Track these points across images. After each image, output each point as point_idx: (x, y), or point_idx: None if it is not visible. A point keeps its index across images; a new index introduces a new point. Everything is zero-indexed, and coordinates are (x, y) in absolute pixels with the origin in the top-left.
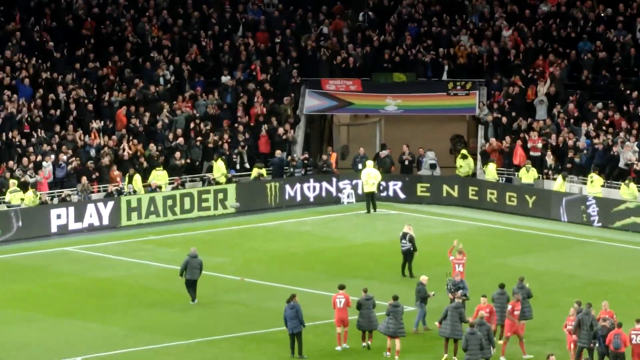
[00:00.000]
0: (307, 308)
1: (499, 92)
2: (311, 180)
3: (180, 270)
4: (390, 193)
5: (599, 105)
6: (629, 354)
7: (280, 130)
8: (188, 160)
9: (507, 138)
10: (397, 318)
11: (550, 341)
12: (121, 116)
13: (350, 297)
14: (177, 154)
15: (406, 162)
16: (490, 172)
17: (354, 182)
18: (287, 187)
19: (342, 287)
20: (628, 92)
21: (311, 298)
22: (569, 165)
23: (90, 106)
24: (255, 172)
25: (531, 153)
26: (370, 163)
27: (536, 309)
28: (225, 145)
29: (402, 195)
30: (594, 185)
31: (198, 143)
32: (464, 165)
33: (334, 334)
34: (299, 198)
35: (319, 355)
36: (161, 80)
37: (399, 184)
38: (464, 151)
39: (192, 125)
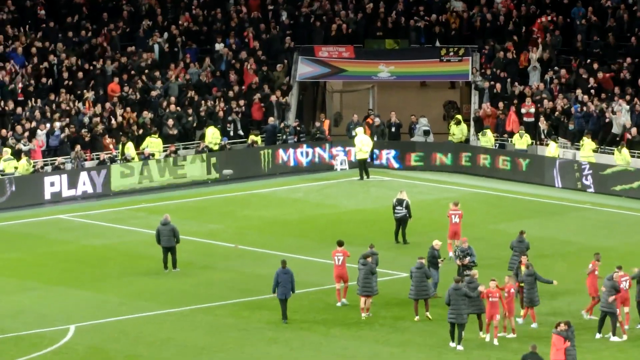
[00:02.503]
0: (300, 275)
1: (491, 59)
2: (304, 147)
3: (155, 238)
4: (384, 160)
5: (592, 71)
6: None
7: (273, 98)
8: (181, 128)
9: (501, 104)
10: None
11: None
12: (114, 84)
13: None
14: (170, 122)
15: (393, 129)
16: (488, 138)
17: (347, 148)
18: (281, 154)
19: (340, 244)
20: (621, 57)
21: (305, 265)
22: (561, 131)
23: (83, 75)
24: (249, 139)
25: (524, 119)
26: (361, 130)
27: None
28: (219, 113)
29: (394, 163)
30: (585, 149)
31: (191, 111)
32: (458, 131)
33: (328, 300)
34: (292, 165)
35: (313, 322)
36: (154, 48)
37: (392, 151)
38: (458, 117)
39: (185, 93)
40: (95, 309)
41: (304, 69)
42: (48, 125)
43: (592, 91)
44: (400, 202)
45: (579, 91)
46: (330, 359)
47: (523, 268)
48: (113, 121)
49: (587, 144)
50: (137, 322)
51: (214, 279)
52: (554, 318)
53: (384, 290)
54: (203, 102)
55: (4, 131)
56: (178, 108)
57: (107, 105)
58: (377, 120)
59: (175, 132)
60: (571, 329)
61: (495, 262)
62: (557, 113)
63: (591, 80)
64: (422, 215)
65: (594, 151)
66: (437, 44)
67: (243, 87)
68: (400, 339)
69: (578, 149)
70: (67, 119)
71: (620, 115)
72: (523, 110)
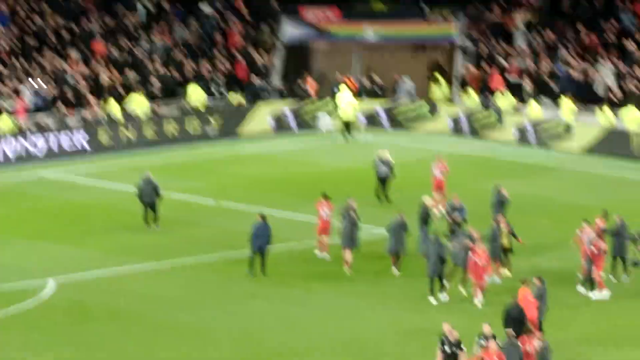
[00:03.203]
0: (282, 231)
1: (477, 20)
2: (289, 106)
3: (137, 194)
4: (368, 119)
5: (577, 32)
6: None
7: (258, 57)
8: (166, 88)
9: (485, 65)
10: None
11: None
12: (99, 44)
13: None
14: (154, 81)
15: (376, 89)
16: (471, 99)
17: (332, 108)
18: (265, 113)
19: (326, 197)
20: (605, 20)
21: (286, 221)
22: (545, 92)
23: (69, 35)
24: (233, 98)
25: (508, 78)
26: (346, 89)
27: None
28: (204, 73)
29: (378, 122)
30: (564, 110)
31: (174, 69)
32: (437, 91)
33: (309, 256)
34: (276, 124)
35: (294, 277)
36: (140, 8)
37: (376, 111)
38: (437, 76)
39: (170, 53)
40: (76, 263)
41: (290, 30)
42: (33, 84)
43: (577, 53)
44: (382, 160)
45: (563, 52)
46: (311, 313)
47: (502, 227)
48: (98, 80)
49: (567, 104)
50: (119, 277)
51: (196, 235)
52: (534, 275)
53: (365, 246)
54: (188, 62)
55: None
56: (160, 68)
57: (93, 64)
58: (364, 81)
59: (160, 89)
60: (544, 285)
61: (477, 220)
62: (541, 74)
63: (576, 42)
64: (404, 173)
65: (575, 112)
66: (423, 5)
67: (228, 48)
68: (381, 293)
69: (561, 109)
70: (52, 79)
71: (605, 77)
72: (507, 71)
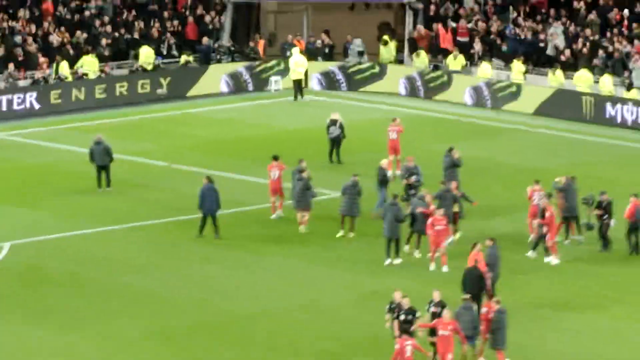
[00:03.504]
0: (235, 194)
1: None
2: (239, 67)
3: (89, 157)
4: (319, 80)
5: None
6: None
7: (208, 18)
8: (116, 49)
9: (435, 25)
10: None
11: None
12: (48, 4)
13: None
14: (104, 41)
15: (326, 50)
16: (422, 59)
17: (282, 69)
18: (215, 74)
19: (276, 158)
20: None
21: (239, 184)
22: (495, 53)
23: None
24: (183, 59)
25: (458, 38)
26: (297, 50)
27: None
28: (153, 33)
29: (330, 83)
30: (515, 72)
31: (124, 30)
32: (386, 52)
33: (263, 219)
34: (226, 85)
35: (247, 240)
36: None
37: (327, 71)
38: (385, 37)
39: (119, 13)
40: (31, 227)
41: None
42: None
43: (526, 13)
44: (334, 122)
45: (513, 13)
46: (264, 277)
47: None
48: (48, 41)
49: (517, 66)
50: (73, 240)
51: (149, 197)
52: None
53: (317, 209)
54: (137, 22)
55: None
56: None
57: (45, 24)
58: (319, 42)
59: (110, 49)
60: (496, 246)
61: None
62: (491, 35)
63: (525, 2)
64: (356, 135)
65: (526, 73)
66: None
67: (177, 7)
68: (336, 256)
69: (511, 71)
70: (1, 39)
71: (555, 38)
72: (457, 32)
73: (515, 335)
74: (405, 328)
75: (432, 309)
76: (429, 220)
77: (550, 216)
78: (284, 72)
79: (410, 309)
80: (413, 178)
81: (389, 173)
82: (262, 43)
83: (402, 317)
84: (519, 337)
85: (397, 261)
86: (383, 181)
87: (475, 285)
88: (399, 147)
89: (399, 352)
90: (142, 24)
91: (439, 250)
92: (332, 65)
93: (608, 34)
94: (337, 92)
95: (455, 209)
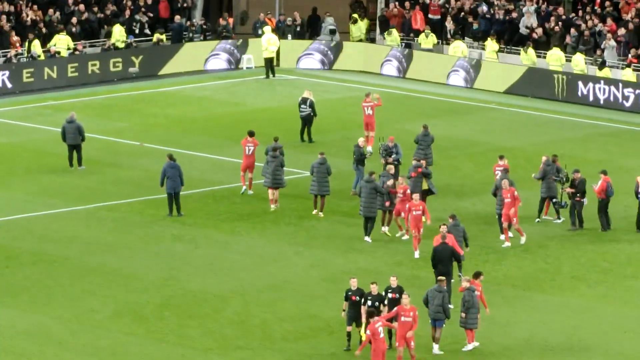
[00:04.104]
0: (206, 173)
1: None
2: (211, 45)
3: (61, 136)
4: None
5: None
6: None
7: None
8: (88, 27)
9: (407, 3)
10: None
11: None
12: None
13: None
14: (74, 20)
15: (298, 29)
16: (394, 37)
17: (254, 47)
18: (187, 52)
19: (251, 134)
20: None
21: (210, 162)
22: (467, 31)
23: None
24: (155, 37)
25: (430, 16)
26: (269, 29)
27: (438, 175)
28: (125, 11)
29: (298, 63)
30: (488, 51)
31: (96, 9)
32: (356, 30)
33: (234, 199)
34: (198, 63)
35: (218, 220)
36: None
37: (300, 50)
38: (354, 15)
39: None
40: (2, 206)
41: None
42: None
43: None
44: (305, 100)
45: None
46: (235, 257)
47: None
48: (20, 19)
49: (490, 45)
50: (43, 220)
51: (120, 176)
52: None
53: (289, 188)
54: (109, 1)
55: None
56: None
57: (19, 3)
58: (289, 20)
59: (80, 27)
60: (456, 221)
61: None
62: (463, 13)
63: None
64: (328, 114)
65: (499, 52)
66: None
67: None
68: (306, 236)
69: (484, 49)
70: None
71: (529, 17)
72: (429, 10)
73: (485, 314)
74: (372, 312)
75: (390, 295)
76: (407, 205)
77: (512, 197)
78: (256, 50)
79: (378, 295)
80: (392, 157)
81: (369, 148)
82: (233, 21)
83: (369, 303)
84: (489, 317)
85: (367, 239)
86: (360, 160)
87: (447, 262)
88: (373, 123)
89: (370, 337)
90: (113, 2)
91: (416, 234)
92: (303, 44)
93: (580, 12)
94: (310, 70)
95: (425, 186)
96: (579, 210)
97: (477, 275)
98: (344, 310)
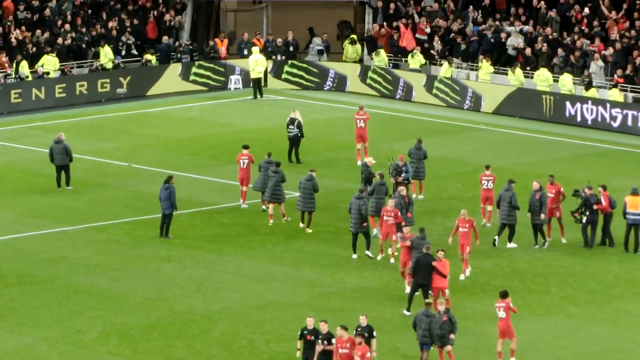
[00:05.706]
0: (194, 194)
1: None
2: (199, 66)
3: (49, 156)
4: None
5: None
6: None
7: (167, 17)
8: (76, 48)
9: (395, 23)
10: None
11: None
12: (8, 2)
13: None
14: (60, 40)
15: (291, 48)
16: (382, 58)
17: (242, 67)
18: (175, 73)
19: (246, 147)
20: None
21: (198, 183)
22: (455, 52)
23: None
24: (146, 57)
25: (417, 36)
26: (256, 49)
27: (425, 194)
28: (113, 32)
29: (293, 81)
30: (482, 71)
31: (84, 29)
32: (352, 51)
33: (222, 219)
34: (186, 84)
35: (206, 240)
36: None
37: (286, 68)
38: (353, 36)
39: (79, 12)
40: None
41: None
42: None
43: (486, 12)
44: (292, 121)
45: (473, 12)
46: (223, 277)
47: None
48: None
49: (485, 66)
50: (31, 240)
51: (108, 197)
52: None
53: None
54: (97, 22)
55: None
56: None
57: (7, 24)
58: (280, 41)
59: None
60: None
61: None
62: (451, 34)
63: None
64: (315, 135)
65: (491, 73)
66: None
67: (137, 6)
68: (294, 257)
69: (472, 69)
70: None
71: (516, 36)
72: (417, 30)
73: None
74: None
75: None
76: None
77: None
78: (244, 70)
79: (328, 334)
80: (402, 176)
81: (358, 163)
82: (225, 42)
83: (319, 342)
84: (476, 339)
85: (355, 256)
86: (368, 179)
87: (427, 272)
88: (366, 135)
89: None
90: (101, 23)
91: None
92: (292, 63)
93: (567, 33)
94: (298, 89)
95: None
96: (590, 225)
97: (504, 295)
98: (298, 350)
